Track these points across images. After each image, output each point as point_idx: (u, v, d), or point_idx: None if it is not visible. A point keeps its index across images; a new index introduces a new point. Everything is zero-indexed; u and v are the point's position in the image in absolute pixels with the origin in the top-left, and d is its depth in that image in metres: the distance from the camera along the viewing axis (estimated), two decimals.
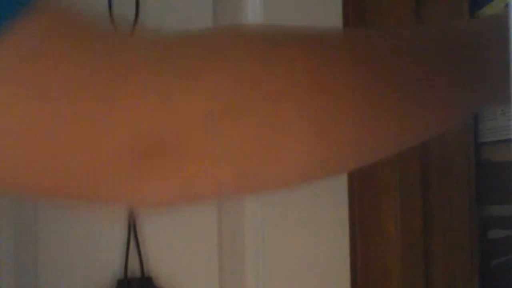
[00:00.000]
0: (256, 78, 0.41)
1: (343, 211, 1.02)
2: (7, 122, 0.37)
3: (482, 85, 0.49)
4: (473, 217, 1.03)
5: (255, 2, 1.01)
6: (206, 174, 0.42)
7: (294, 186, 0.47)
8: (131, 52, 0.40)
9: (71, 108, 0.37)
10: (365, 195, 1.04)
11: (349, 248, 1.02)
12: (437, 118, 0.48)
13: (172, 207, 0.44)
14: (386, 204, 1.02)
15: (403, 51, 0.47)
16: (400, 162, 1.01)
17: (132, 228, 1.01)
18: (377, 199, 1.03)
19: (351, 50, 0.45)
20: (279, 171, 0.44)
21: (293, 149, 0.43)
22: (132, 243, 1.01)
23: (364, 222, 1.04)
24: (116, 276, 1.01)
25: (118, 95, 0.38)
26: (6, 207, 0.98)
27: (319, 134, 0.43)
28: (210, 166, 0.41)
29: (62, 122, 0.38)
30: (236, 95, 0.41)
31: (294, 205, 1.00)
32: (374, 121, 0.45)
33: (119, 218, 1.01)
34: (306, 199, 1.01)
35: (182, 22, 1.02)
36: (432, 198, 1.03)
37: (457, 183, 1.03)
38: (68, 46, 0.38)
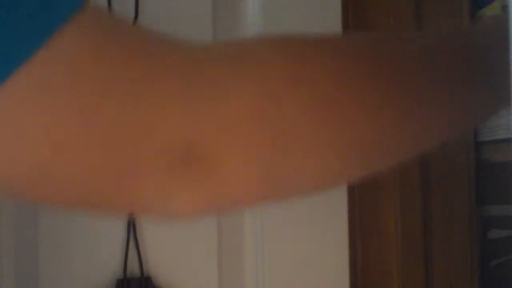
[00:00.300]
0: (279, 89, 0.43)
1: (343, 211, 1.02)
2: (42, 134, 0.38)
3: (488, 90, 0.49)
4: (473, 217, 1.03)
5: (254, 2, 1.01)
6: (237, 181, 0.42)
7: (310, 194, 0.49)
8: (162, 60, 0.41)
9: (104, 117, 0.38)
10: (365, 195, 1.04)
11: (348, 248, 1.02)
12: (445, 122, 0.49)
13: (202, 216, 0.45)
14: (386, 204, 1.02)
15: (413, 57, 0.47)
16: (400, 162, 1.01)
17: (132, 228, 1.01)
18: (377, 199, 1.03)
19: (367, 58, 0.46)
20: (299, 179, 0.45)
21: (310, 159, 0.44)
22: (132, 243, 1.01)
23: (364, 222, 1.04)
24: (116, 275, 1.01)
25: (150, 104, 0.39)
26: (7, 208, 0.98)
27: (335, 145, 0.45)
28: (241, 172, 0.42)
29: (94, 132, 0.38)
30: (261, 102, 0.42)
31: (293, 205, 1.00)
32: (391, 127, 0.46)
33: (119, 217, 1.01)
34: (306, 199, 1.01)
35: (181, 22, 1.02)
36: (432, 198, 1.03)
37: (457, 183, 1.03)
38: (102, 54, 0.39)
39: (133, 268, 1.02)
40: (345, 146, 0.45)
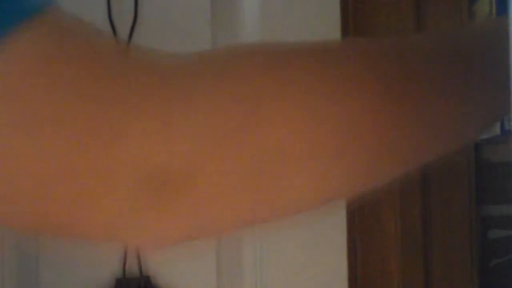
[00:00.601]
0: (260, 100, 0.38)
1: (341, 211, 1.02)
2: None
3: (487, 91, 0.47)
4: (473, 217, 1.03)
5: (253, 2, 1.01)
6: (215, 206, 0.39)
7: (306, 210, 0.44)
8: (128, 75, 0.37)
9: (69, 138, 0.35)
10: (365, 195, 1.04)
11: (347, 249, 1.02)
12: (449, 134, 0.46)
13: (180, 244, 0.41)
14: (386, 204, 1.02)
15: (411, 57, 0.44)
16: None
17: None
18: (377, 199, 1.03)
19: (359, 58, 0.43)
20: (290, 195, 0.41)
21: (305, 174, 0.40)
22: None
23: (364, 222, 1.04)
24: (115, 275, 1.02)
25: (112, 122, 0.35)
26: None
27: (335, 157, 0.40)
28: (222, 196, 0.38)
29: (60, 152, 0.35)
30: (239, 116, 0.38)
31: None
32: (389, 129, 0.42)
33: None
34: None
35: (180, 22, 1.02)
36: (432, 198, 1.03)
37: (457, 183, 1.03)
38: (68, 71, 0.35)
39: (132, 267, 1.02)
40: (347, 155, 0.41)
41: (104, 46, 0.38)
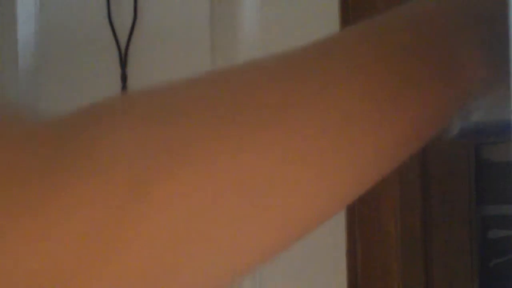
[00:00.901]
0: (145, 172, 0.29)
1: (341, 211, 1.02)
2: None
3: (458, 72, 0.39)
4: (473, 217, 1.03)
5: (253, 3, 1.01)
6: None
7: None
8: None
9: None
10: (365, 195, 1.04)
11: (346, 249, 1.02)
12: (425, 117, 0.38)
13: None
14: (386, 204, 1.02)
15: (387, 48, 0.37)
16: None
17: None
18: (377, 199, 1.03)
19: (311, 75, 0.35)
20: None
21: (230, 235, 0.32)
22: None
23: (364, 222, 1.04)
24: None
25: None
26: None
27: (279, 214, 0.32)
28: None
29: None
30: (112, 208, 0.29)
31: None
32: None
33: None
34: None
35: (179, 22, 1.02)
36: (432, 198, 1.03)
37: (457, 183, 1.03)
38: None
39: None
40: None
41: None
